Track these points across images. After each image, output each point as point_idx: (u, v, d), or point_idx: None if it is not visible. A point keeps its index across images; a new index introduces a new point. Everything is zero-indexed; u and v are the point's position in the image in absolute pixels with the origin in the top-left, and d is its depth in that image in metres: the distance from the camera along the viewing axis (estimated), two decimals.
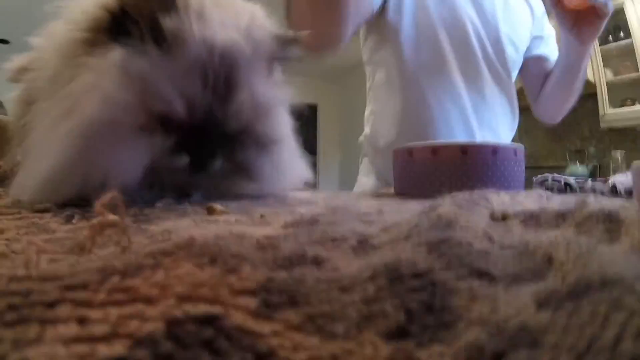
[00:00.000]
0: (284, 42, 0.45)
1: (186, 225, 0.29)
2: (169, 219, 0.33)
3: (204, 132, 0.39)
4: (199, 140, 0.39)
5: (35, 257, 0.14)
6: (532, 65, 1.07)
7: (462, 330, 0.12)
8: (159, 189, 0.43)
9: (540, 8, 1.07)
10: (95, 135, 0.35)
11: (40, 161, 0.37)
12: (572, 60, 0.93)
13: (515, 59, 1.02)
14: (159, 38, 0.37)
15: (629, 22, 2.86)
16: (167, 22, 0.37)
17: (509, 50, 0.98)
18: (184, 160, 0.39)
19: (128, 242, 0.18)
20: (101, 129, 0.35)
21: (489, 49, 0.96)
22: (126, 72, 0.36)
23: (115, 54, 0.36)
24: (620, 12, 2.92)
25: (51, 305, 0.10)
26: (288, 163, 0.50)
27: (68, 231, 0.27)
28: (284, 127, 0.48)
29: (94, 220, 0.17)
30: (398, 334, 0.11)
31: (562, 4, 0.83)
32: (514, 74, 1.04)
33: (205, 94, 0.38)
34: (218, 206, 0.37)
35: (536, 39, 1.07)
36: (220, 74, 0.38)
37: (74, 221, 0.31)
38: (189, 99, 0.37)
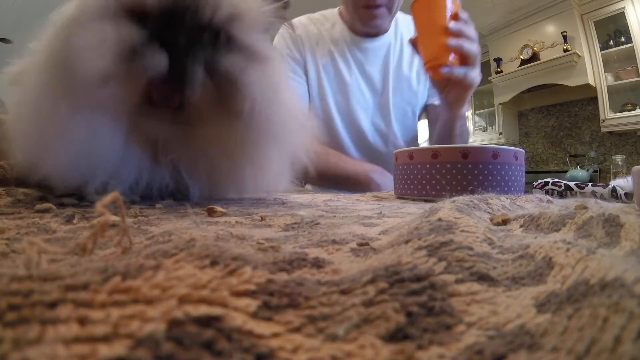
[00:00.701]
0: None
1: (187, 226, 0.29)
2: (170, 220, 0.33)
3: (177, 21, 0.33)
4: (174, 33, 0.33)
5: (36, 257, 0.14)
6: (430, 111, 1.18)
7: (462, 332, 0.12)
8: (157, 192, 0.41)
9: None
10: (72, 27, 0.33)
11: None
12: (446, 120, 0.98)
13: (409, 122, 1.15)
14: None
15: (629, 26, 2.86)
16: None
17: (402, 119, 1.13)
18: (162, 60, 0.33)
19: (129, 243, 0.18)
20: (77, 22, 0.33)
21: (381, 126, 1.12)
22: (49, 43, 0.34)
23: (47, 31, 0.35)
24: (621, 17, 2.93)
25: (52, 305, 0.10)
26: (278, 92, 0.40)
27: (69, 231, 0.27)
28: (272, 49, 0.42)
29: (95, 221, 0.17)
30: (398, 336, 0.11)
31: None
32: (411, 134, 1.17)
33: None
34: (218, 208, 0.37)
35: (432, 88, 1.15)
36: None
37: (74, 221, 0.31)
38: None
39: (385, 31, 1.11)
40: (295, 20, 1.10)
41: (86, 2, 0.33)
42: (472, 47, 0.81)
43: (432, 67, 0.79)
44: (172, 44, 0.33)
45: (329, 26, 1.10)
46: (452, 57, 0.78)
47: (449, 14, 0.78)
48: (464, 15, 0.80)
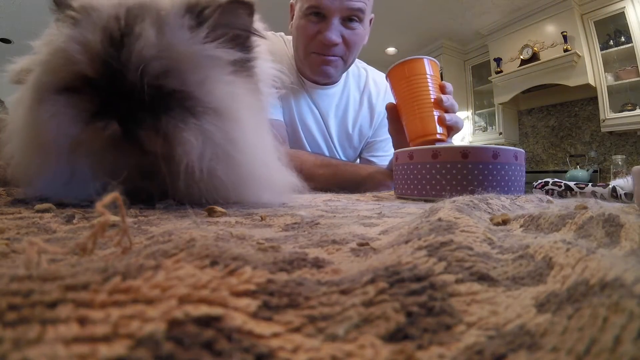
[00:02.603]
0: (225, 6, 0.41)
1: (187, 226, 0.29)
2: (170, 220, 0.33)
3: (119, 91, 0.37)
4: (121, 104, 0.37)
5: (36, 257, 0.14)
6: (362, 163, 1.17)
7: (462, 332, 0.12)
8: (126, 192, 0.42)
9: (383, 117, 1.13)
10: (36, 96, 0.39)
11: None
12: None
13: (351, 151, 1.15)
14: (72, 12, 0.39)
15: (629, 26, 2.86)
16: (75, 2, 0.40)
17: (341, 149, 1.12)
18: (113, 126, 0.37)
19: (129, 243, 0.18)
20: (33, 94, 0.39)
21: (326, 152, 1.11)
22: (50, 43, 0.40)
23: (49, 31, 0.41)
24: (621, 17, 2.93)
25: (52, 305, 0.10)
26: (230, 143, 0.40)
27: (69, 231, 0.27)
28: (226, 94, 0.41)
29: (95, 221, 0.17)
30: (398, 336, 0.11)
31: (400, 137, 0.82)
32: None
33: (104, 46, 0.37)
34: (218, 208, 0.37)
35: (369, 144, 1.16)
36: (122, 27, 0.37)
37: (74, 221, 0.31)
38: (90, 51, 0.37)
39: (335, 82, 1.08)
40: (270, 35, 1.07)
41: (42, 64, 0.40)
42: (460, 120, 0.79)
43: (423, 141, 0.74)
44: (119, 110, 0.37)
45: (289, 58, 1.07)
46: (440, 130, 0.74)
47: (430, 82, 0.75)
48: (448, 86, 0.78)
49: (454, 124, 0.76)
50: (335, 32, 0.93)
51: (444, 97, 0.75)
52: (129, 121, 0.37)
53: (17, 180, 0.45)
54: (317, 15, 0.91)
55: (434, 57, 0.79)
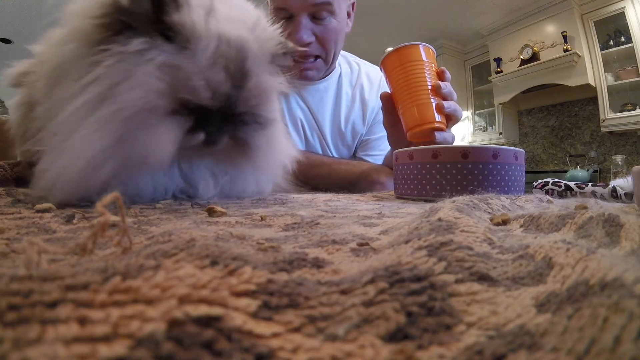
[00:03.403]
0: (281, 47, 0.52)
1: (187, 226, 0.29)
2: (170, 220, 0.33)
3: (220, 114, 0.45)
4: (214, 121, 0.45)
5: (36, 257, 0.14)
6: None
7: (462, 332, 0.12)
8: (163, 190, 0.49)
9: (377, 113, 1.12)
10: (134, 119, 0.39)
11: (74, 149, 0.38)
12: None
13: (345, 150, 1.12)
14: (167, 32, 0.40)
15: (629, 26, 2.86)
16: (174, 18, 0.40)
17: (333, 146, 1.11)
18: (200, 138, 0.45)
19: (129, 243, 0.18)
20: (139, 114, 0.39)
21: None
22: (155, 63, 0.39)
23: (136, 44, 0.39)
24: (621, 17, 2.93)
25: (52, 305, 0.10)
26: (279, 141, 0.56)
27: (69, 231, 0.27)
28: (276, 111, 0.54)
29: (95, 221, 0.17)
30: (398, 336, 0.11)
31: (396, 129, 0.80)
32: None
33: (226, 83, 0.43)
34: (218, 208, 0.37)
35: (363, 142, 1.12)
36: (236, 66, 0.44)
37: (74, 221, 0.31)
38: (213, 88, 0.42)
39: (324, 77, 1.06)
40: None
41: (147, 86, 0.40)
42: (459, 108, 0.75)
43: (422, 131, 0.71)
44: (210, 126, 0.45)
45: None
46: (439, 118, 0.71)
47: (426, 69, 0.72)
48: (446, 73, 0.75)
49: (453, 112, 0.72)
50: (305, 32, 0.90)
51: (442, 83, 0.71)
52: (213, 133, 0.46)
53: (64, 190, 0.41)
54: (285, 16, 0.88)
55: (427, 44, 0.75)
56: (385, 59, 0.76)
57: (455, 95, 0.74)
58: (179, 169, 0.51)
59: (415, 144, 0.74)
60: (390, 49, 0.76)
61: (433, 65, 0.74)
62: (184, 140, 0.44)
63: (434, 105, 0.71)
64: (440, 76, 0.74)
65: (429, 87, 0.71)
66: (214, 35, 0.41)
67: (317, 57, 0.96)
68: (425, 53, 0.73)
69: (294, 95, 1.04)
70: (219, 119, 0.45)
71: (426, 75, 0.72)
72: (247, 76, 0.45)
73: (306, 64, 0.96)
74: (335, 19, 0.93)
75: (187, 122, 0.43)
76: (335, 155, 1.10)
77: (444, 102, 0.71)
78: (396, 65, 0.74)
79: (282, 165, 0.60)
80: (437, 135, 0.70)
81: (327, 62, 0.99)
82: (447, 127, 0.73)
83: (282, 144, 0.58)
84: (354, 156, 1.15)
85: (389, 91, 0.80)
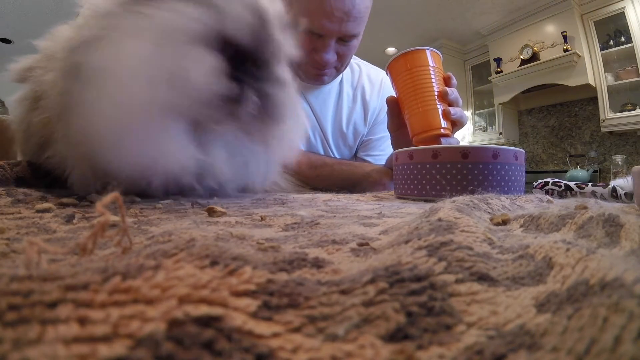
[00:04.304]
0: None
1: (187, 226, 0.29)
2: (170, 220, 0.33)
3: (253, 61, 0.46)
4: (240, 66, 0.45)
5: (36, 257, 0.14)
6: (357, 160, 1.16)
7: (462, 332, 0.12)
8: (175, 188, 0.49)
9: (378, 114, 1.13)
10: (173, 49, 0.41)
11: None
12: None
13: (346, 150, 1.13)
14: None
15: (629, 26, 2.86)
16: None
17: (335, 147, 1.11)
18: (234, 90, 0.44)
19: (129, 243, 0.18)
20: (175, 43, 0.41)
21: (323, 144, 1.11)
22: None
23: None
24: (621, 17, 2.93)
25: (52, 305, 0.10)
26: (295, 108, 0.56)
27: (69, 231, 0.27)
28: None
29: (95, 221, 0.17)
30: (398, 336, 0.11)
31: (400, 133, 0.81)
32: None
33: (263, 27, 0.46)
34: (218, 208, 0.37)
35: (364, 143, 1.13)
36: (263, 22, 0.46)
37: (74, 221, 0.31)
38: (251, 27, 0.45)
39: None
40: None
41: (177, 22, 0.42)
42: (464, 114, 0.76)
43: (428, 137, 0.72)
44: (237, 75, 0.45)
45: None
46: (445, 124, 0.71)
47: (433, 74, 0.72)
48: (452, 78, 0.75)
49: (459, 118, 0.73)
50: (331, 53, 0.93)
51: (448, 89, 0.72)
52: (243, 85, 0.46)
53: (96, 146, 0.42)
54: (315, 33, 0.90)
55: (433, 49, 0.75)
56: (392, 64, 0.76)
57: (460, 101, 0.75)
58: (195, 142, 0.47)
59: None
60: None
61: (440, 70, 0.74)
62: (222, 87, 0.43)
63: (440, 111, 0.71)
64: (447, 82, 0.74)
65: (436, 93, 0.71)
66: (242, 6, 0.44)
67: (332, 68, 0.99)
68: (432, 58, 0.73)
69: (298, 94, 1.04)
70: (251, 67, 0.46)
71: (433, 80, 0.72)
72: (272, 32, 0.47)
73: (322, 72, 0.98)
74: (357, 40, 0.96)
75: (222, 62, 0.43)
76: (336, 155, 1.11)
77: (450, 108, 0.71)
78: (403, 70, 0.74)
79: (291, 146, 0.59)
80: (443, 141, 0.71)
81: (340, 71, 1.02)
82: (452, 132, 0.73)
83: (298, 108, 0.58)
84: (355, 156, 1.15)
85: (392, 94, 0.80)
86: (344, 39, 0.92)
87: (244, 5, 0.45)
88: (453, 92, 0.73)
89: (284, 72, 0.51)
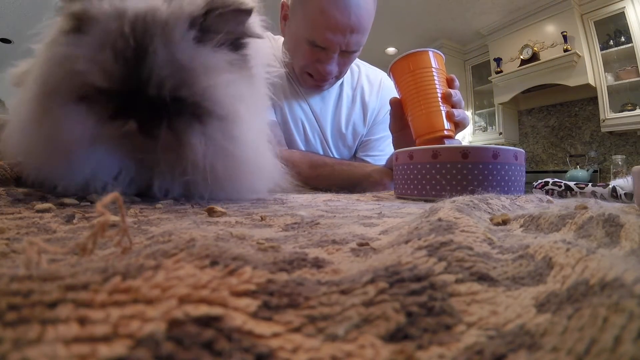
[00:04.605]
0: (223, 13, 0.43)
1: (187, 226, 0.29)
2: (170, 220, 0.33)
3: (135, 98, 0.41)
4: (139, 106, 0.41)
5: (36, 257, 0.14)
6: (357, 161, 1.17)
7: (462, 332, 0.12)
8: (127, 179, 0.46)
9: (377, 114, 1.13)
10: (45, 102, 0.41)
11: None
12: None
13: (345, 150, 1.13)
14: (73, 20, 0.41)
15: (629, 26, 2.86)
16: (72, 6, 0.41)
17: (334, 148, 1.12)
18: (130, 126, 0.41)
19: (129, 243, 0.18)
20: (48, 98, 0.41)
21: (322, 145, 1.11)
22: (53, 50, 0.41)
23: (50, 36, 0.43)
24: (621, 17, 2.93)
25: (52, 305, 0.10)
26: (231, 142, 0.45)
27: (69, 231, 0.27)
28: (230, 100, 0.45)
29: (95, 221, 0.17)
30: (398, 336, 0.11)
31: (403, 134, 0.81)
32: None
33: (119, 66, 0.39)
34: (218, 208, 0.37)
35: (363, 143, 1.14)
36: (133, 47, 0.39)
37: (74, 221, 0.31)
38: (103, 69, 0.39)
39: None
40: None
41: (50, 74, 0.41)
42: (467, 116, 0.76)
43: (431, 138, 0.72)
44: (139, 113, 0.42)
45: (278, 58, 1.05)
46: (448, 126, 0.71)
47: (436, 75, 0.72)
48: (455, 80, 0.76)
49: (462, 120, 0.73)
50: (333, 65, 0.94)
51: (452, 91, 0.72)
52: (145, 121, 0.42)
53: (27, 176, 0.46)
54: (319, 46, 0.91)
55: (436, 50, 0.76)
56: (395, 65, 0.76)
57: (463, 103, 0.76)
58: (129, 163, 0.45)
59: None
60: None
61: (443, 71, 0.74)
62: (112, 127, 0.41)
63: (444, 113, 0.71)
64: (450, 83, 0.75)
65: (439, 95, 0.72)
66: (106, 13, 0.39)
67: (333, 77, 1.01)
68: (435, 59, 0.73)
69: (297, 97, 1.05)
70: (147, 105, 0.41)
71: (436, 82, 0.72)
72: (148, 53, 0.40)
73: (322, 82, 1.00)
74: (359, 51, 0.97)
75: (105, 108, 0.41)
76: (336, 156, 1.11)
77: (453, 110, 0.72)
78: (406, 72, 0.74)
79: (250, 177, 0.50)
80: (446, 142, 0.72)
81: (340, 78, 1.04)
82: (455, 134, 0.74)
83: (242, 149, 0.47)
84: (354, 157, 1.15)
85: (391, 94, 0.81)
86: (347, 51, 0.93)
87: (95, 47, 0.40)
88: (456, 94, 0.73)
89: (205, 100, 0.43)
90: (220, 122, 0.44)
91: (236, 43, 0.47)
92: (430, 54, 0.73)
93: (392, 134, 0.89)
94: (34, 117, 0.42)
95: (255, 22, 0.48)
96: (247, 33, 0.47)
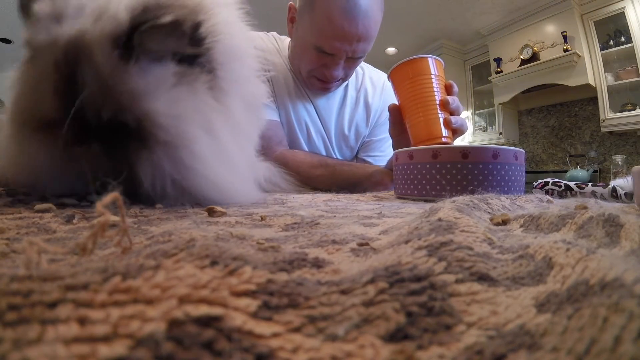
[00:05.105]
0: (154, 26, 0.38)
1: (187, 226, 0.29)
2: (170, 220, 0.33)
3: (76, 126, 0.38)
4: (81, 133, 0.39)
5: (36, 257, 0.14)
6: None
7: (462, 332, 0.12)
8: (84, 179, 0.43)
9: (379, 116, 1.15)
10: (10, 129, 0.42)
11: None
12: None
13: (348, 151, 1.15)
14: (27, 49, 0.41)
15: (629, 26, 2.86)
16: (25, 33, 0.41)
17: (337, 148, 1.13)
18: (86, 149, 0.40)
19: (129, 243, 0.18)
20: (12, 125, 0.42)
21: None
22: (15, 83, 0.42)
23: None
24: (621, 17, 2.93)
25: (52, 305, 0.10)
26: (185, 169, 0.42)
27: (69, 231, 0.27)
28: (174, 122, 0.41)
29: (95, 221, 0.17)
30: (398, 336, 0.11)
31: (402, 139, 0.81)
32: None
33: (56, 94, 0.38)
34: (218, 207, 0.37)
35: (365, 144, 1.16)
36: (64, 72, 0.38)
37: (74, 221, 0.31)
38: (45, 103, 0.39)
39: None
40: (263, 34, 1.08)
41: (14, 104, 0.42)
42: (465, 122, 0.77)
43: (429, 144, 0.71)
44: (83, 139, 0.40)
45: (284, 58, 1.07)
46: (446, 133, 0.72)
47: (435, 82, 0.73)
48: (454, 86, 0.77)
49: (460, 126, 0.74)
50: (340, 70, 0.95)
51: (450, 98, 0.73)
52: (92, 152, 0.40)
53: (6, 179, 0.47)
54: (325, 52, 0.92)
55: (436, 57, 0.76)
56: (394, 72, 0.77)
57: (462, 109, 0.76)
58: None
59: None
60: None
61: (442, 78, 0.74)
62: (64, 154, 0.40)
63: (441, 120, 0.72)
64: (448, 90, 0.75)
65: (438, 102, 0.72)
66: (45, 44, 0.38)
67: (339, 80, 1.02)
68: (434, 66, 0.74)
69: (301, 98, 1.06)
70: (96, 133, 0.39)
71: (435, 89, 0.73)
72: (78, 82, 0.38)
73: (329, 85, 1.01)
74: (365, 56, 0.98)
75: (54, 137, 0.38)
76: (338, 156, 1.12)
77: (451, 117, 0.72)
78: (405, 78, 0.75)
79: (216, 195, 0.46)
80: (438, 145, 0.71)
81: (345, 80, 1.06)
82: (452, 140, 0.75)
83: (194, 176, 0.43)
84: (355, 157, 1.17)
85: (393, 96, 0.81)
86: (353, 58, 0.94)
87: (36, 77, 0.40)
88: (454, 101, 0.74)
89: (149, 123, 0.40)
90: (166, 147, 0.41)
91: (185, 56, 0.42)
92: (430, 60, 0.73)
93: (392, 138, 0.89)
94: (6, 140, 0.43)
95: (217, 22, 0.44)
96: (181, 49, 0.42)
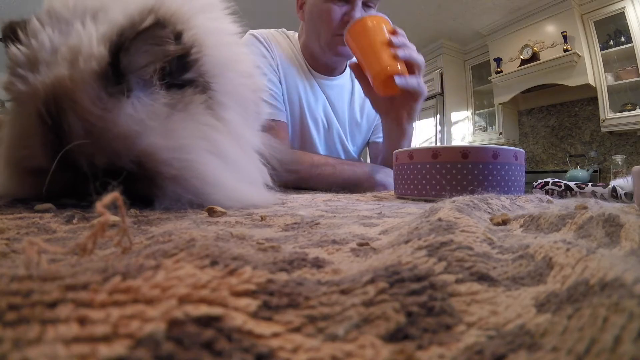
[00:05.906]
0: (135, 42, 0.36)
1: (187, 226, 0.29)
2: (170, 220, 0.33)
3: (75, 171, 0.38)
4: (79, 184, 0.39)
5: (36, 257, 0.14)
6: (371, 147, 1.25)
7: (462, 332, 0.12)
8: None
9: None
10: (8, 170, 0.42)
11: None
12: (393, 141, 0.99)
13: (360, 139, 1.21)
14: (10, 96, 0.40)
15: (629, 26, 2.86)
16: (3, 79, 0.40)
17: (350, 138, 1.18)
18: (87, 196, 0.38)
19: (129, 243, 0.18)
20: (3, 163, 0.42)
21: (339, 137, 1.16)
22: (7, 129, 0.42)
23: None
24: (621, 17, 2.92)
25: (52, 305, 0.10)
26: (200, 195, 0.41)
27: (69, 231, 0.27)
28: (183, 154, 0.40)
29: (95, 221, 0.17)
30: (398, 336, 0.11)
31: (374, 92, 0.89)
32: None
33: (45, 146, 0.37)
34: (218, 208, 0.37)
35: (375, 127, 1.21)
36: (49, 123, 0.37)
37: (74, 221, 0.31)
38: (35, 154, 0.38)
39: (341, 72, 1.14)
40: (267, 32, 1.09)
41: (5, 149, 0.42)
42: (419, 56, 0.85)
43: (385, 78, 0.80)
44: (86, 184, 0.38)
45: (295, 51, 1.10)
46: (397, 66, 0.80)
47: (377, 32, 0.83)
48: (399, 30, 0.85)
49: (409, 58, 0.82)
50: (359, 11, 0.98)
51: (393, 37, 0.81)
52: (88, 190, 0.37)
53: None
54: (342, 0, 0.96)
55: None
56: (348, 30, 0.86)
57: (409, 46, 0.84)
58: None
59: (386, 96, 0.88)
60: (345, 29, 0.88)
61: (384, 26, 0.85)
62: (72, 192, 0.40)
63: (388, 54, 0.81)
64: (393, 33, 0.84)
65: (383, 43, 0.82)
66: (25, 96, 0.37)
67: None
68: (373, 21, 0.84)
69: (314, 89, 1.09)
70: (89, 177, 0.37)
71: (377, 35, 0.83)
72: (65, 131, 0.37)
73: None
74: (375, 8, 1.03)
75: (60, 178, 0.38)
76: (351, 144, 1.17)
77: (398, 50, 0.81)
78: (353, 39, 0.85)
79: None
80: (397, 79, 0.80)
81: None
82: (415, 75, 0.84)
83: (210, 195, 0.42)
84: (367, 143, 1.23)
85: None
86: (367, 3, 0.99)
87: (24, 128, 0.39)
88: (398, 39, 0.83)
89: (145, 159, 0.38)
90: (176, 181, 0.39)
91: (173, 72, 0.40)
92: (368, 19, 0.84)
93: (367, 97, 0.97)
94: (2, 177, 0.43)
95: (197, 32, 0.42)
96: (181, 48, 0.40)
